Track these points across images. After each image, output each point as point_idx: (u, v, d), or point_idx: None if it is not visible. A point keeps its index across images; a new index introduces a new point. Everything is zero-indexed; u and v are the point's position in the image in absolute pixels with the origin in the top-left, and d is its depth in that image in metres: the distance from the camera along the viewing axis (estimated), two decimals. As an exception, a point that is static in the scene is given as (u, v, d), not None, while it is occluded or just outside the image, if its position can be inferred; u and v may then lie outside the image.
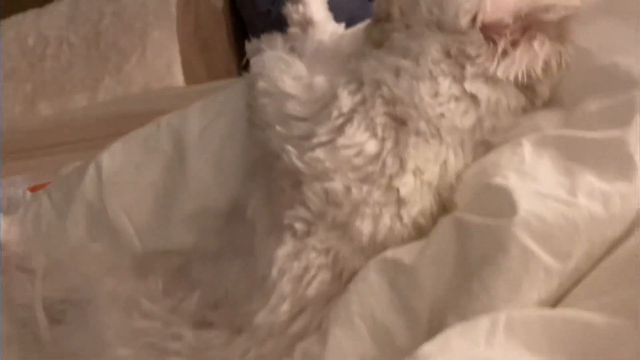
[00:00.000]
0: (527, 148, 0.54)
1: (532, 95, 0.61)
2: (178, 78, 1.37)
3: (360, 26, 0.78)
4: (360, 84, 0.61)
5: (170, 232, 0.72)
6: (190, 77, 1.40)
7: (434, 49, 0.59)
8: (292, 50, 0.75)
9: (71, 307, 0.70)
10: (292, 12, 0.76)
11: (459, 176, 0.60)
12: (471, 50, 0.58)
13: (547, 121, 0.60)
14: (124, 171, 0.75)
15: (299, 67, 0.67)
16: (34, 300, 0.72)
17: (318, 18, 0.75)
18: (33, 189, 0.89)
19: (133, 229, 0.73)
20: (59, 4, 1.58)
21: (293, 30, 0.75)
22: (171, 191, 0.73)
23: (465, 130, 0.59)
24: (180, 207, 0.72)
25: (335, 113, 0.59)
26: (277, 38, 0.76)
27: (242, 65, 0.86)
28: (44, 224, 0.78)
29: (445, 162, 0.58)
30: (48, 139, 0.92)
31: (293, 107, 0.62)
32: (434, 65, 0.59)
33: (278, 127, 0.61)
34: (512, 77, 0.58)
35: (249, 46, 0.81)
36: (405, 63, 0.59)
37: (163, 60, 1.39)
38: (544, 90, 0.61)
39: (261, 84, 0.66)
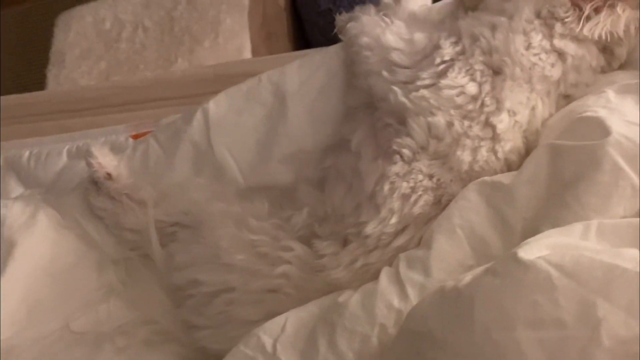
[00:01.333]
0: (610, 93, 0.62)
1: (610, 57, 0.69)
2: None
3: (447, 0, 0.86)
4: (459, 37, 0.69)
5: (271, 170, 0.80)
6: (257, 62, 1.50)
7: (527, 10, 0.68)
8: (384, 17, 0.83)
9: (182, 228, 0.78)
10: (385, -12, 0.85)
11: (544, 123, 0.67)
12: (560, 12, 0.67)
13: (624, 78, 0.68)
14: (228, 116, 0.84)
15: (399, 25, 0.75)
16: (145, 224, 0.80)
17: (410, -9, 0.84)
18: (135, 137, 0.97)
19: (237, 167, 0.81)
20: (136, -9, 1.70)
21: (386, 1, 0.84)
22: (272, 134, 0.81)
23: (553, 81, 0.67)
24: (280, 148, 0.80)
25: (438, 60, 0.67)
26: (371, 8, 0.85)
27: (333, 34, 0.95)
28: (152, 162, 0.86)
29: (534, 108, 0.66)
30: (149, 94, 1.01)
31: (397, 57, 0.70)
32: (527, 23, 0.67)
33: (384, 73, 0.70)
34: (596, 36, 0.66)
35: (341, 18, 0.90)
36: (501, 20, 0.68)
37: (234, 45, 1.49)
38: (622, 53, 0.69)
39: (364, 39, 0.75)
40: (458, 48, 0.68)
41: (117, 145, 0.97)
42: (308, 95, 0.82)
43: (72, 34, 1.71)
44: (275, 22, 1.69)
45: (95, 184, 0.85)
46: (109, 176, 0.84)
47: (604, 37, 0.66)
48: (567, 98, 0.69)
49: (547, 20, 0.67)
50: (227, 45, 1.49)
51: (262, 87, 0.85)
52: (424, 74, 0.67)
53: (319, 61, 0.85)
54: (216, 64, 1.04)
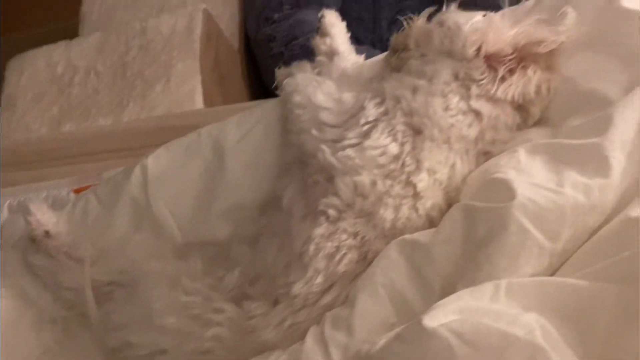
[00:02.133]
0: (522, 153, 0.66)
1: (525, 114, 0.73)
2: (199, 106, 1.49)
3: (377, 58, 0.90)
4: (383, 99, 0.73)
5: (209, 225, 0.81)
6: (209, 106, 1.52)
7: (445, 73, 0.71)
8: (319, 75, 0.87)
9: (119, 287, 0.78)
10: (320, 43, 0.88)
11: (464, 180, 0.71)
12: (476, 75, 0.71)
13: (538, 135, 0.72)
14: (167, 171, 0.85)
15: (329, 85, 0.79)
16: (81, 283, 0.80)
17: (342, 49, 0.88)
18: (77, 191, 0.98)
19: (174, 222, 0.83)
20: (88, 37, 1.71)
21: (320, 58, 0.87)
22: (210, 188, 0.83)
23: (470, 140, 0.70)
24: (218, 203, 0.82)
25: (362, 120, 0.70)
26: (306, 64, 0.88)
27: (273, 88, 0.98)
28: (91, 218, 0.87)
29: (453, 166, 0.70)
30: (93, 147, 1.01)
31: (326, 116, 0.73)
32: (445, 85, 0.71)
33: (313, 131, 0.72)
34: (509, 97, 0.70)
35: (280, 72, 0.93)
36: (421, 83, 0.71)
37: (186, 89, 1.51)
38: (536, 111, 0.73)
39: (297, 98, 0.78)
40: (382, 109, 0.71)
41: (59, 200, 0.97)
42: (246, 150, 0.84)
43: (24, 79, 1.71)
44: (228, 65, 1.72)
45: (34, 241, 0.85)
46: (47, 234, 0.84)
47: (517, 98, 0.70)
48: (486, 154, 0.72)
49: (465, 82, 0.71)
50: (178, 90, 1.51)
51: (201, 142, 0.87)
52: (350, 134, 0.70)
53: (258, 116, 0.87)
54: (159, 115, 1.06)
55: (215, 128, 0.88)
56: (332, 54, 0.88)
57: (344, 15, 1.93)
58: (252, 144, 0.84)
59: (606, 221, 0.60)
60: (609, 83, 0.68)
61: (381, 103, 0.72)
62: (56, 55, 1.71)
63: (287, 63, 1.75)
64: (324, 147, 0.70)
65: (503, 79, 0.71)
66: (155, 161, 0.87)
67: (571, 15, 0.71)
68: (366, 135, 0.70)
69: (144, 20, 1.67)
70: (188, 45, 1.57)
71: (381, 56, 0.89)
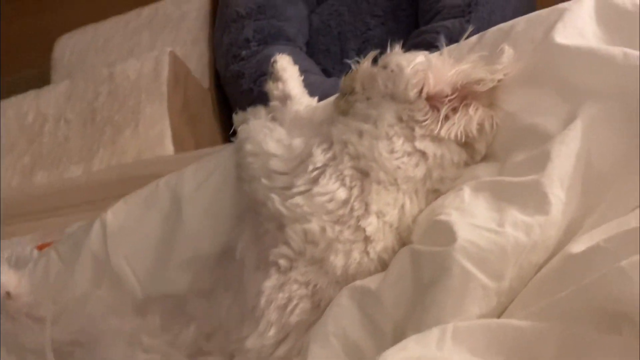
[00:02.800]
0: (466, 191, 0.67)
1: (471, 151, 0.74)
2: (168, 148, 1.50)
3: (330, 99, 0.91)
4: (331, 144, 0.74)
5: (168, 277, 0.81)
6: (180, 147, 1.53)
7: (389, 115, 0.73)
8: (273, 119, 0.88)
9: (79, 347, 0.78)
10: (273, 89, 0.90)
11: (414, 219, 0.71)
12: (419, 116, 0.72)
13: (485, 172, 0.73)
14: (126, 224, 0.85)
15: (280, 132, 0.79)
16: (44, 344, 0.79)
17: (295, 93, 0.89)
18: (40, 247, 0.97)
19: (134, 276, 0.82)
20: (57, 85, 1.72)
21: (274, 103, 0.89)
22: (168, 240, 0.83)
23: (418, 180, 0.71)
24: (177, 254, 0.82)
25: (310, 167, 0.71)
26: (261, 110, 0.89)
27: (230, 134, 0.99)
28: (52, 275, 0.87)
29: (402, 207, 0.70)
30: (52, 202, 1.01)
31: (275, 164, 0.74)
32: (389, 128, 0.72)
33: (263, 180, 0.73)
34: (452, 136, 0.71)
35: (237, 117, 0.95)
36: (367, 127, 0.73)
37: (155, 133, 1.51)
38: (481, 147, 0.74)
39: (248, 146, 0.79)
40: (329, 154, 0.72)
41: (23, 258, 0.97)
42: (203, 199, 0.85)
43: (-5, 130, 1.71)
44: (198, 105, 1.74)
45: (-5, 303, 0.84)
46: (8, 295, 0.83)
47: (460, 136, 0.71)
48: (435, 192, 0.73)
49: (408, 123, 0.72)
50: (147, 134, 1.52)
51: (159, 193, 0.88)
52: (299, 181, 0.71)
53: (215, 163, 0.88)
54: (124, 165, 1.06)
55: (173, 177, 0.88)
56: (285, 98, 0.89)
57: (312, 48, 1.96)
58: (209, 193, 0.84)
59: (550, 257, 0.61)
60: (548, 117, 0.70)
61: (329, 148, 0.73)
62: (25, 105, 1.72)
63: (256, 99, 1.77)
64: (273, 195, 0.71)
65: (446, 118, 0.72)
66: (114, 215, 0.87)
67: (508, 52, 0.73)
68: (314, 181, 0.70)
69: (112, 66, 1.69)
70: (155, 89, 1.58)
71: (332, 98, 0.91)
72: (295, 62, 1.82)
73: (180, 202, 0.84)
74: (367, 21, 1.88)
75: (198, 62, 1.89)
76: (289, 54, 1.83)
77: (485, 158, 0.75)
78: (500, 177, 0.66)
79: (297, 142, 0.76)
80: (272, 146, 0.77)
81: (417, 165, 0.71)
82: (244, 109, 1.83)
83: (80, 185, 1.03)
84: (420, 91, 0.73)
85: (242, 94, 1.75)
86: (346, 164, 0.71)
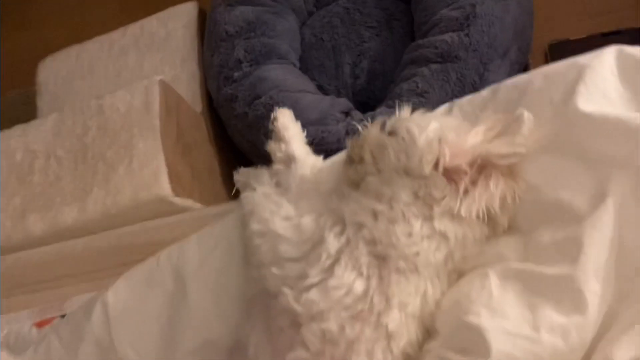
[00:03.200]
0: (493, 281, 0.62)
1: (493, 224, 0.70)
2: (164, 186, 1.44)
3: (336, 159, 0.86)
4: (344, 226, 0.69)
5: (177, 365, 0.77)
6: (176, 182, 1.48)
7: (404, 194, 0.68)
8: (278, 184, 0.83)
9: None
10: (276, 150, 0.85)
11: (437, 303, 0.67)
12: (436, 193, 0.67)
13: (509, 248, 0.69)
14: (128, 306, 0.81)
15: (287, 208, 0.75)
16: None
17: (299, 154, 0.84)
18: (39, 325, 0.93)
19: (142, 364, 0.78)
20: (45, 120, 1.66)
21: (277, 167, 0.84)
22: (175, 324, 0.79)
23: (439, 264, 0.67)
24: (184, 341, 0.78)
25: (324, 256, 0.66)
26: (264, 174, 0.84)
27: (232, 194, 0.94)
28: (55, 362, 0.82)
29: (424, 294, 0.66)
30: (49, 272, 0.97)
31: (286, 250, 0.70)
32: (406, 208, 0.67)
33: (274, 269, 0.68)
34: (474, 215, 0.67)
35: (238, 176, 0.90)
36: (381, 207, 0.68)
37: (149, 170, 1.46)
38: (503, 221, 0.70)
39: (255, 226, 0.74)
40: (343, 240, 0.68)
41: (22, 337, 0.92)
42: (208, 277, 0.80)
43: (-18, 170, 1.65)
44: (193, 133, 1.68)
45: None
46: (8, 387, 0.79)
47: (481, 215, 0.67)
48: (457, 271, 0.69)
49: (425, 200, 0.68)
50: (142, 171, 1.46)
51: (161, 270, 0.83)
52: (313, 271, 0.66)
53: (218, 236, 0.83)
54: (118, 232, 1.01)
55: (174, 252, 0.84)
56: (289, 160, 0.84)
57: (305, 63, 1.90)
58: (214, 271, 0.80)
59: (587, 356, 0.57)
60: (575, 192, 0.65)
61: (342, 232, 0.68)
62: (13, 142, 1.65)
63: (252, 124, 1.72)
64: (286, 290, 0.66)
65: (465, 192, 0.68)
66: (115, 295, 0.82)
67: (528, 120, 0.68)
68: (329, 271, 0.66)
69: (100, 98, 1.62)
70: (147, 122, 1.52)
71: (339, 157, 0.86)
72: (290, 80, 1.77)
73: (184, 281, 0.80)
74: (362, 33, 1.82)
75: (189, 84, 1.83)
76: (283, 72, 1.78)
77: (507, 230, 0.71)
78: (529, 266, 0.62)
79: (307, 221, 0.72)
80: (280, 226, 0.72)
81: (437, 248, 0.67)
82: (240, 133, 1.78)
83: (77, 254, 0.98)
84: (436, 165, 0.68)
85: (237, 118, 1.70)
86: (362, 250, 0.66)
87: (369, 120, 0.78)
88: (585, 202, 0.64)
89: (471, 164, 0.68)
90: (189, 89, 1.82)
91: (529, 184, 0.69)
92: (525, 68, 1.63)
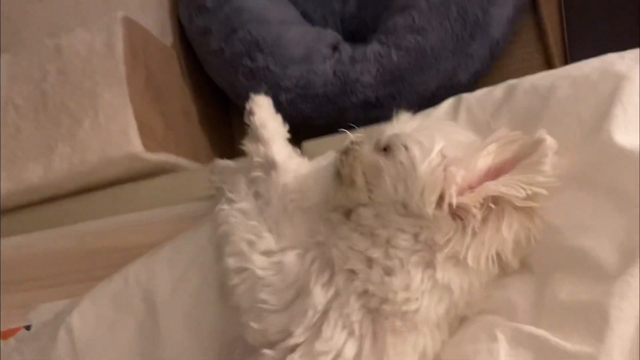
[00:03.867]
0: (502, 347, 0.55)
1: (502, 265, 0.61)
2: (135, 142, 1.32)
3: (323, 163, 0.75)
4: (332, 273, 0.60)
5: (154, 402, 0.72)
6: (148, 135, 1.35)
7: (402, 238, 0.58)
8: (257, 195, 0.72)
9: None
10: (253, 153, 0.73)
11: (437, 355, 0.60)
12: (439, 238, 0.58)
13: (519, 294, 0.60)
14: (96, 336, 0.74)
15: (268, 240, 0.65)
16: None
17: (279, 158, 0.73)
18: (4, 336, 0.86)
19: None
20: (-4, 61, 1.48)
21: (256, 174, 0.73)
22: (148, 355, 0.72)
23: (441, 315, 0.59)
24: (160, 373, 0.71)
25: (310, 312, 0.58)
26: (241, 183, 0.73)
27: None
28: (21, 389, 0.76)
29: (424, 351, 0.59)
30: (9, 274, 0.88)
31: (266, 298, 0.61)
32: (404, 255, 0.58)
33: (252, 324, 0.60)
34: (482, 265, 0.58)
35: (212, 174, 0.80)
36: (376, 254, 0.58)
37: (117, 125, 1.32)
38: (514, 263, 0.61)
39: (231, 262, 0.65)
40: (331, 292, 0.59)
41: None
42: (182, 307, 0.72)
43: None
44: (163, 72, 1.52)
45: None
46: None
47: (490, 262, 0.58)
48: (460, 317, 0.61)
49: (427, 245, 0.58)
50: (109, 126, 1.33)
51: (130, 292, 0.75)
52: (297, 329, 0.58)
53: (191, 255, 0.74)
54: (81, 232, 0.90)
55: (143, 273, 0.75)
56: (268, 167, 0.73)
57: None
58: (188, 298, 0.72)
59: None
60: (601, 239, 0.56)
61: (330, 281, 0.59)
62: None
63: (229, 61, 1.55)
64: (267, 352, 0.58)
65: (474, 233, 0.58)
66: (81, 319, 0.75)
67: (551, 149, 0.57)
68: (315, 330, 0.58)
69: (56, 36, 1.44)
70: (111, 69, 1.36)
71: (326, 160, 0.75)
72: (270, 9, 1.58)
73: (156, 308, 0.72)
74: (350, -51, 1.60)
75: (157, 12, 1.64)
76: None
77: (518, 270, 0.62)
78: (544, 334, 0.54)
79: (290, 259, 0.63)
80: (259, 264, 0.63)
81: (439, 301, 0.58)
82: (216, 70, 1.62)
83: (39, 255, 0.88)
84: (441, 199, 0.58)
85: (212, 55, 1.54)
86: (353, 305, 0.58)
87: (363, 137, 0.66)
88: (613, 257, 0.55)
89: (482, 201, 0.57)
90: (157, 18, 1.62)
91: (548, 224, 0.59)
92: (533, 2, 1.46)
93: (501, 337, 0.56)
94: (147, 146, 1.33)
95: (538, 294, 0.59)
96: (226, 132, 1.79)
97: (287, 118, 1.48)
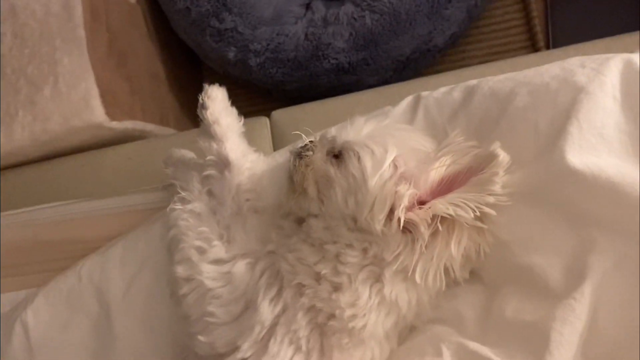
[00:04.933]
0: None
1: (451, 277, 0.61)
2: (97, 111, 1.28)
3: (278, 160, 0.73)
4: (281, 287, 0.59)
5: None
6: (111, 103, 1.31)
7: (351, 254, 0.57)
8: (210, 194, 0.70)
9: None
10: (206, 150, 0.71)
11: (385, 362, 0.61)
12: (388, 255, 0.57)
13: (467, 305, 0.61)
14: (51, 335, 0.73)
15: (218, 248, 0.64)
16: None
17: (234, 156, 0.70)
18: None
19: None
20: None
21: (209, 172, 0.70)
22: (103, 355, 0.72)
23: (388, 329, 0.59)
24: (116, 372, 0.72)
25: (257, 328, 0.58)
26: (194, 180, 0.71)
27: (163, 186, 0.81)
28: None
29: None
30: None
31: (214, 310, 0.60)
32: (352, 271, 0.57)
33: (201, 337, 0.60)
34: (430, 282, 0.57)
35: (165, 164, 0.77)
36: (325, 269, 0.58)
37: (78, 93, 1.28)
38: (464, 275, 0.60)
39: (180, 270, 0.64)
40: (279, 307, 0.58)
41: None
42: (135, 306, 0.72)
43: None
44: (126, 32, 1.45)
45: None
46: None
47: (438, 281, 0.58)
48: (409, 327, 0.62)
49: (375, 261, 0.58)
50: (70, 94, 1.28)
51: (83, 290, 0.74)
52: (244, 344, 0.58)
53: (144, 254, 0.73)
54: (33, 222, 0.87)
55: (96, 271, 0.74)
56: (222, 165, 0.71)
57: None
58: (142, 298, 0.72)
59: None
60: (550, 257, 0.56)
61: (278, 296, 0.59)
62: None
63: (196, 23, 1.49)
64: (214, 365, 0.59)
65: (422, 249, 0.57)
66: (36, 317, 0.74)
67: (504, 163, 0.55)
68: (262, 345, 0.58)
69: (10, -7, 1.36)
70: (70, 32, 1.29)
71: (282, 159, 0.73)
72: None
73: (109, 307, 0.72)
74: None
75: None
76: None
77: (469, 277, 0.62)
78: (486, 352, 0.55)
79: (240, 270, 0.62)
80: (208, 275, 0.62)
81: (387, 316, 0.58)
82: (184, 30, 1.54)
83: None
84: (390, 213, 0.57)
85: (178, 14, 1.47)
86: (300, 320, 0.58)
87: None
88: (560, 276, 0.54)
89: (432, 217, 0.56)
90: (120, -30, 1.53)
91: (499, 239, 0.58)
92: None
93: (446, 352, 0.56)
94: (111, 114, 1.29)
95: (486, 308, 0.59)
96: (197, 93, 1.73)
97: (258, 82, 1.44)
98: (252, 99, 1.63)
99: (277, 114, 1.11)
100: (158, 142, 1.30)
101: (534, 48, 1.51)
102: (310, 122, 1.05)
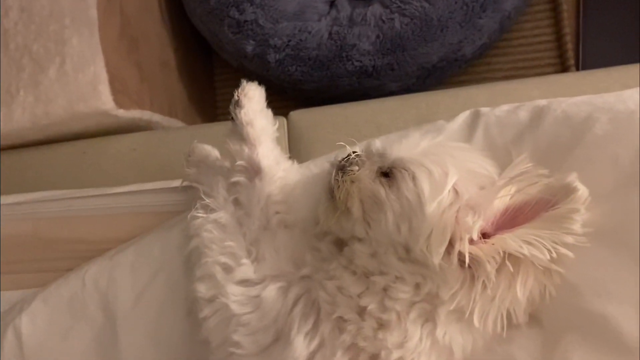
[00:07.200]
0: None
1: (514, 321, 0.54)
2: (105, 97, 1.20)
3: (314, 170, 0.66)
4: (317, 319, 0.52)
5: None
6: (120, 89, 1.23)
7: (402, 289, 0.51)
8: (237, 203, 0.64)
9: None
10: (236, 155, 0.64)
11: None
12: (444, 293, 0.50)
13: (523, 351, 0.54)
14: (48, 342, 0.66)
15: (246, 267, 0.57)
16: None
17: (266, 163, 0.63)
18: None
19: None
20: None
21: (238, 178, 0.63)
22: (106, 371, 0.65)
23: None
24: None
25: (290, 363, 0.51)
26: (220, 186, 0.64)
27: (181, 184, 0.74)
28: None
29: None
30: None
31: (240, 339, 0.53)
32: (402, 308, 0.51)
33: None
34: (490, 327, 0.51)
35: (187, 162, 0.70)
36: (371, 304, 0.51)
37: (86, 77, 1.20)
38: (524, 317, 0.54)
39: (202, 290, 0.57)
40: (315, 343, 0.52)
41: None
42: (145, 319, 0.65)
43: None
44: (140, 17, 1.38)
45: None
46: None
47: (499, 326, 0.51)
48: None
49: (428, 298, 0.51)
50: (77, 77, 1.20)
51: (87, 297, 0.67)
52: (274, 383, 0.51)
53: (157, 263, 0.66)
54: (35, 217, 0.79)
55: (103, 277, 0.67)
56: (253, 172, 0.64)
57: None
58: (152, 311, 0.64)
59: None
60: (626, 308, 0.49)
61: (314, 329, 0.52)
62: None
63: (214, 12, 1.41)
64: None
65: (484, 287, 0.51)
66: (32, 323, 0.67)
67: (583, 200, 0.48)
68: (295, 384, 0.51)
69: (19, -34, 1.27)
70: (82, 12, 1.21)
71: (317, 169, 0.66)
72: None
73: (115, 318, 0.64)
74: None
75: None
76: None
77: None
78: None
79: (270, 294, 0.55)
80: (234, 298, 0.55)
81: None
82: (200, 20, 1.47)
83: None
84: (450, 246, 0.50)
85: (195, 2, 1.40)
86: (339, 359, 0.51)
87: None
88: (636, 330, 0.48)
89: (498, 255, 0.50)
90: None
91: (567, 282, 0.52)
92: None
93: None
94: (119, 102, 1.22)
95: (544, 355, 0.53)
96: (208, 85, 1.66)
97: (274, 79, 1.37)
98: (266, 97, 1.56)
99: (296, 114, 1.04)
100: (165, 134, 1.23)
101: (562, 66, 1.46)
102: (329, 125, 0.99)
